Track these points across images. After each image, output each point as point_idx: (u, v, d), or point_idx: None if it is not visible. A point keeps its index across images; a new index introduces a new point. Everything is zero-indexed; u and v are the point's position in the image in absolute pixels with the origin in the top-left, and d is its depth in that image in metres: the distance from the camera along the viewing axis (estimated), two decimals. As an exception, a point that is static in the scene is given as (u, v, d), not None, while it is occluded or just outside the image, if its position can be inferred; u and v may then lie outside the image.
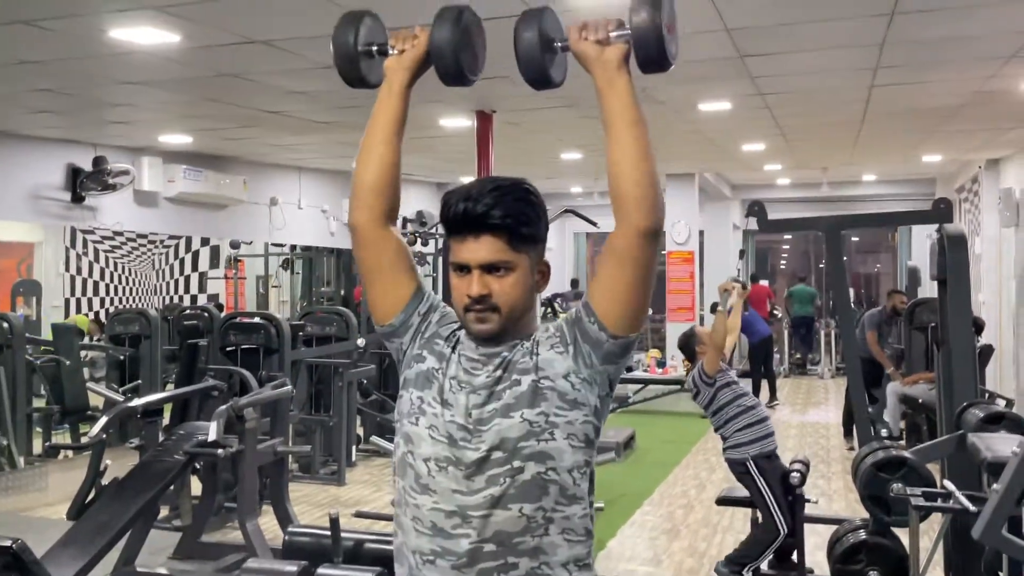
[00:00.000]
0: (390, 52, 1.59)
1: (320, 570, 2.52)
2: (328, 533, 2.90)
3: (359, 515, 4.65)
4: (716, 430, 4.35)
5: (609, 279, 1.42)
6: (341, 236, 9.84)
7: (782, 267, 18.25)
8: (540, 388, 1.41)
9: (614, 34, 1.43)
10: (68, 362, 6.73)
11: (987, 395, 5.26)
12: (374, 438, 6.85)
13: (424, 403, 1.45)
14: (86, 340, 7.83)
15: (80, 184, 7.11)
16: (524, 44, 1.47)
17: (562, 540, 1.39)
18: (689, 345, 4.53)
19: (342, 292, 10.68)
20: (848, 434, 7.69)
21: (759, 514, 4.25)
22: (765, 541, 4.17)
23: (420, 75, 1.60)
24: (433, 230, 9.98)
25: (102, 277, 8.92)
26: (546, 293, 10.59)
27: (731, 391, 4.32)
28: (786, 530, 4.13)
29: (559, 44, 1.51)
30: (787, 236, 17.51)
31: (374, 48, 1.62)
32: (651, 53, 1.42)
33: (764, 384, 10.36)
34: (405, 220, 10.63)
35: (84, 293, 8.84)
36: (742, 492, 4.69)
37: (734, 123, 7.13)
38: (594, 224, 9.43)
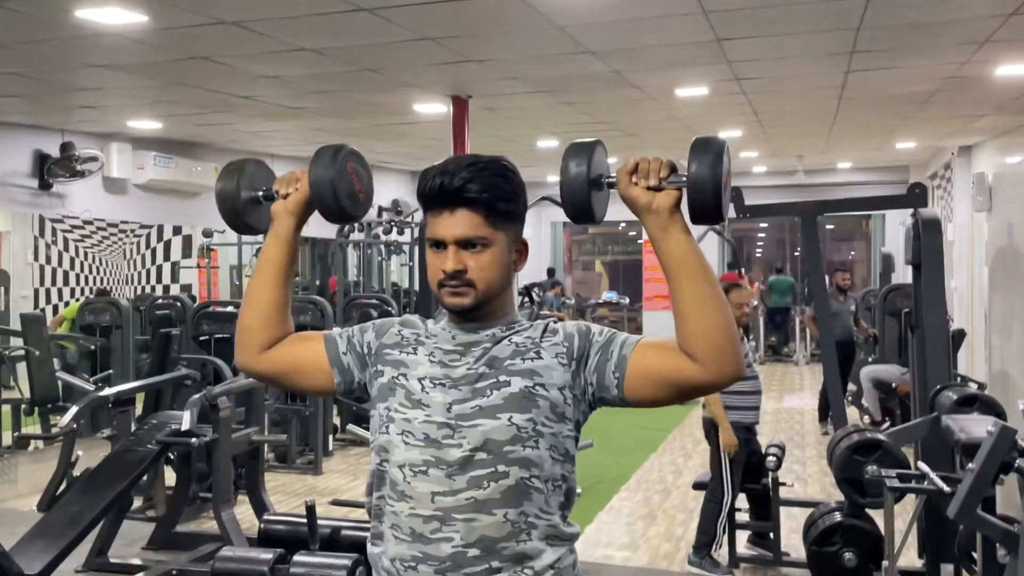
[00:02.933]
0: (275, 196, 1.58)
1: (296, 557, 2.49)
2: (304, 521, 2.87)
3: (336, 503, 4.62)
4: None
5: (654, 384, 1.38)
6: (316, 225, 9.73)
7: (758, 255, 18.35)
8: (533, 394, 1.38)
9: (666, 180, 1.35)
10: (37, 352, 6.62)
11: (960, 379, 5.32)
12: (351, 427, 6.79)
13: (391, 411, 1.42)
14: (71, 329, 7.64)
15: (47, 171, 6.97)
16: (571, 180, 1.40)
17: (547, 546, 1.38)
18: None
19: (317, 281, 10.60)
20: (823, 419, 7.76)
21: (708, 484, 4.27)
22: (715, 511, 4.23)
23: (307, 217, 1.58)
24: (409, 219, 9.92)
25: (72, 267, 8.77)
26: (523, 281, 10.57)
27: (743, 348, 4.34)
28: (731, 495, 4.19)
29: (606, 180, 1.42)
30: (762, 224, 17.61)
31: (260, 194, 1.62)
32: (706, 206, 1.33)
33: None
34: (380, 209, 10.55)
35: (54, 283, 8.68)
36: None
37: (711, 109, 7.13)
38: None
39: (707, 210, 1.33)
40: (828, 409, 7.67)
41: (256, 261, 1.60)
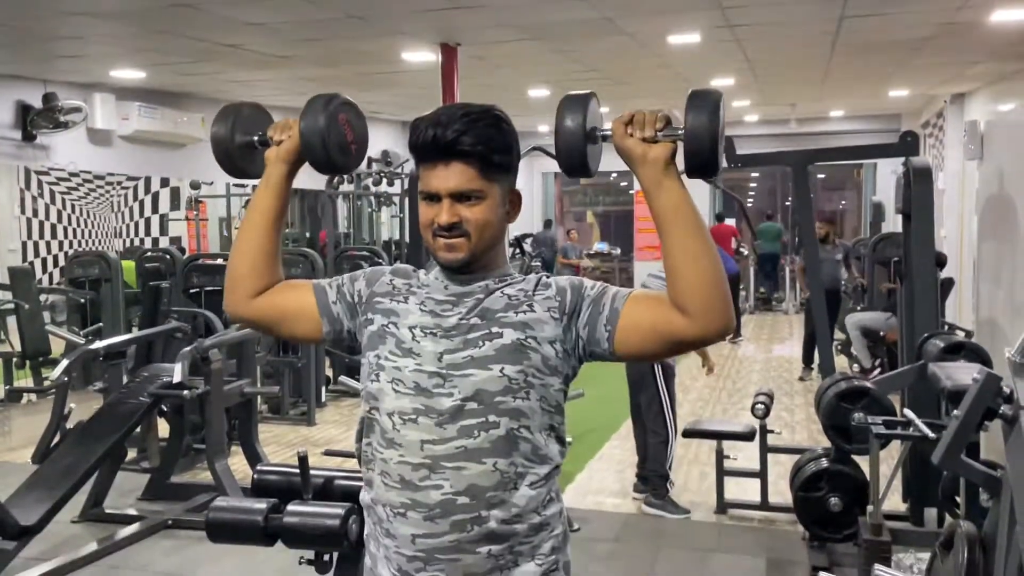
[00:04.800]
0: (269, 142, 1.57)
1: (290, 507, 2.51)
2: (297, 471, 2.89)
3: (328, 453, 4.67)
4: None
5: (643, 337, 1.37)
6: (306, 176, 9.63)
7: (749, 205, 18.33)
8: (525, 346, 1.38)
9: (662, 133, 1.34)
10: (27, 306, 6.59)
11: (947, 327, 5.36)
12: (343, 378, 6.83)
13: (381, 359, 1.42)
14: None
15: (30, 122, 6.86)
16: (566, 133, 1.38)
17: (531, 490, 1.39)
18: None
19: (307, 234, 10.54)
20: (807, 365, 7.87)
21: (649, 425, 4.41)
22: (661, 449, 4.39)
23: (299, 166, 1.56)
24: (399, 170, 9.83)
25: (59, 219, 8.68)
26: (516, 232, 10.53)
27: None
28: (674, 430, 4.37)
29: (601, 133, 1.41)
30: (754, 174, 17.55)
31: (255, 139, 1.61)
32: (702, 159, 1.31)
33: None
34: (370, 160, 10.45)
35: (42, 236, 8.61)
36: (706, 425, 4.78)
37: (703, 57, 7.04)
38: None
39: (703, 163, 1.32)
40: (809, 355, 7.82)
41: (248, 207, 1.59)
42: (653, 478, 4.42)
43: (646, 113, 1.35)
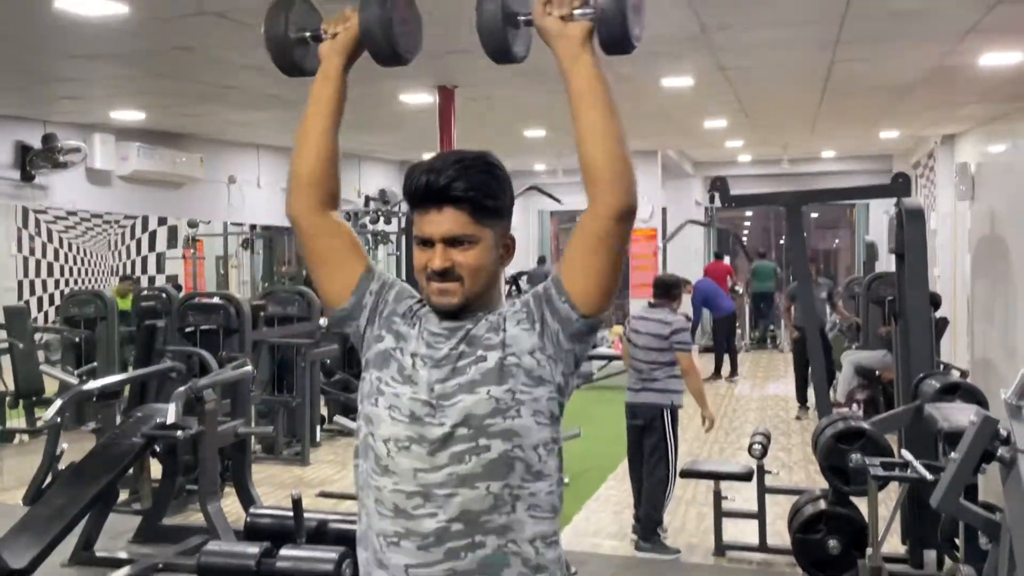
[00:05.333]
0: (323, 37, 1.55)
1: (283, 551, 2.49)
2: (291, 513, 2.87)
3: (323, 495, 4.63)
4: (648, 368, 4.39)
5: (581, 260, 1.40)
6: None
7: (743, 242, 18.44)
8: (507, 365, 1.39)
9: (578, 11, 1.40)
10: (21, 345, 6.57)
11: (943, 366, 5.37)
12: (338, 418, 6.80)
13: (383, 383, 1.43)
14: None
15: (29, 162, 6.90)
16: (486, 16, 1.43)
17: (528, 517, 1.38)
18: (673, 288, 4.63)
19: (303, 272, 10.55)
20: (803, 403, 7.88)
21: (649, 469, 4.38)
22: (659, 495, 4.38)
23: (356, 58, 1.56)
24: (396, 208, 9.89)
25: (56, 258, 8.70)
26: (511, 271, 10.58)
27: (689, 335, 4.51)
28: (676, 477, 4.39)
29: (522, 18, 1.47)
30: (748, 213, 17.68)
31: (307, 34, 1.58)
32: (614, 33, 1.38)
33: (726, 359, 10.49)
34: (367, 198, 10.51)
35: (38, 274, 8.62)
36: (703, 466, 4.76)
37: (696, 99, 7.13)
38: (559, 201, 9.40)
39: (616, 39, 1.39)
40: (803, 393, 7.85)
41: (306, 108, 1.55)
42: (646, 522, 4.39)
43: None
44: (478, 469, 1.35)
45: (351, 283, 1.50)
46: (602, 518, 5.09)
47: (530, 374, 1.39)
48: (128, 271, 9.57)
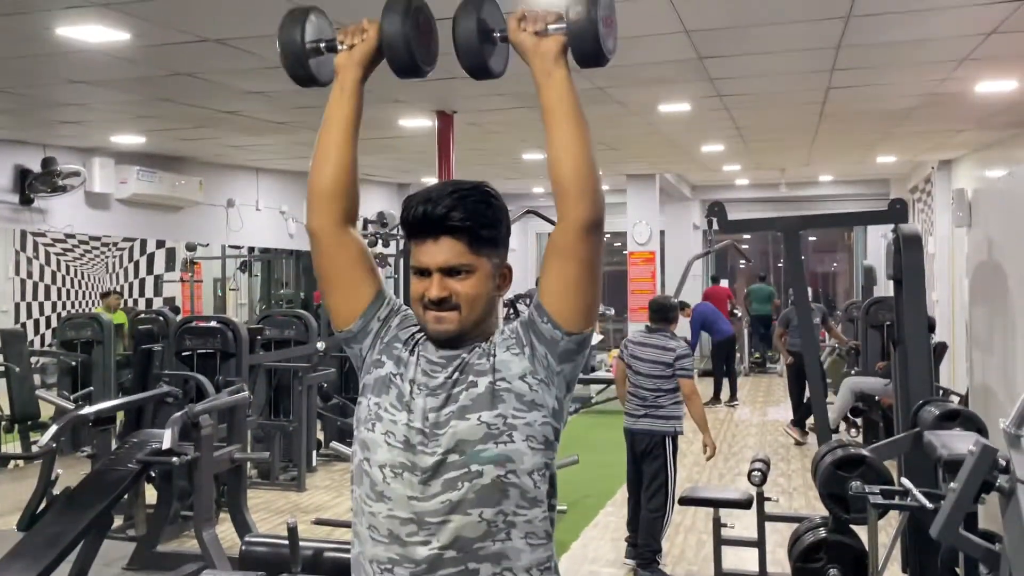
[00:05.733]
0: (339, 48, 1.54)
1: (278, 581, 2.47)
2: (286, 542, 2.84)
3: (319, 522, 4.58)
4: (652, 395, 4.38)
5: (557, 277, 1.41)
6: (300, 238, 9.72)
7: (741, 266, 18.46)
8: (497, 390, 1.38)
9: (552, 27, 1.42)
10: (17, 369, 6.54)
11: (941, 392, 5.35)
12: (334, 444, 6.74)
13: (381, 408, 1.42)
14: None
15: (29, 186, 6.91)
16: (463, 33, 1.45)
17: (524, 544, 1.37)
18: (671, 311, 4.62)
19: (302, 295, 10.55)
20: (802, 427, 7.85)
21: (648, 496, 4.37)
22: (658, 523, 4.34)
23: (372, 70, 1.55)
24: (394, 231, 9.90)
25: (53, 281, 8.69)
26: (508, 295, 10.58)
27: (692, 361, 4.47)
28: (672, 504, 4.33)
29: (498, 34, 1.49)
30: (746, 236, 17.72)
31: (322, 45, 1.57)
32: (587, 48, 1.40)
33: (725, 383, 10.47)
34: (366, 221, 10.53)
35: (35, 297, 8.60)
36: (703, 493, 4.72)
37: (693, 124, 7.18)
38: (556, 224, 9.42)
39: (589, 53, 1.41)
40: (801, 418, 7.82)
41: (323, 121, 1.54)
42: (644, 551, 4.35)
43: (537, 10, 1.44)
44: (471, 495, 1.34)
45: (360, 306, 1.49)
46: (600, 545, 5.06)
47: (522, 399, 1.39)
48: (126, 294, 9.56)
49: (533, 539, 1.38)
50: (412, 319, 1.52)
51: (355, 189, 1.53)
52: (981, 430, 3.56)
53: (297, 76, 1.59)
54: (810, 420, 7.49)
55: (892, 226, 4.37)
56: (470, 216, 1.40)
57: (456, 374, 1.41)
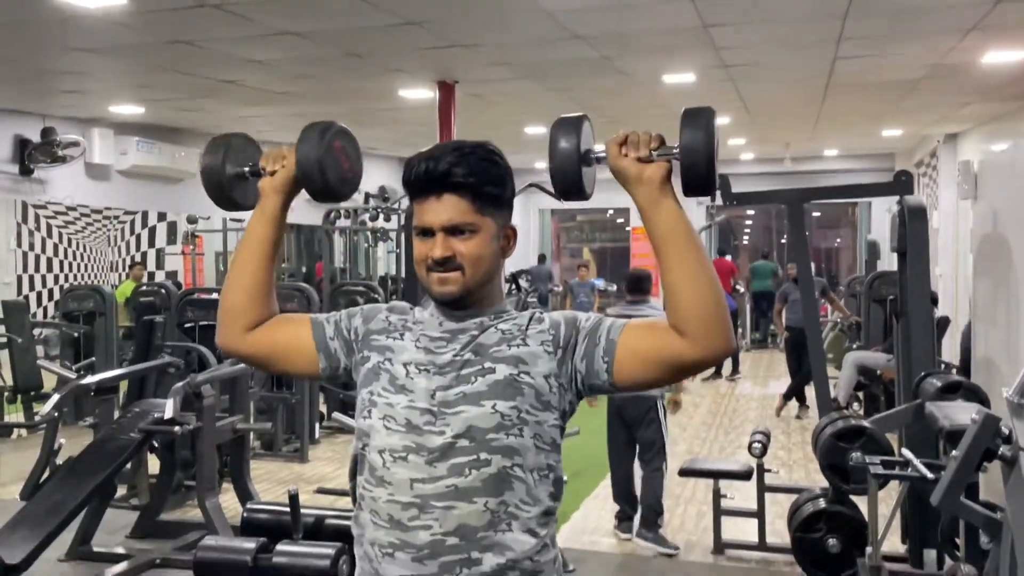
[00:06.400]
0: (262, 172, 1.54)
1: (279, 546, 2.47)
2: (288, 510, 2.85)
3: (321, 491, 4.61)
4: None
5: (642, 364, 1.35)
6: (302, 211, 9.68)
7: (744, 243, 18.42)
8: (518, 382, 1.36)
9: (657, 152, 1.34)
10: (20, 340, 6.55)
11: (944, 365, 5.34)
12: (336, 415, 6.74)
13: (374, 395, 1.40)
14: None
15: (28, 156, 6.89)
16: (560, 155, 1.38)
17: (526, 536, 1.36)
18: (645, 281, 4.66)
19: (303, 268, 10.53)
20: (801, 401, 7.88)
21: (647, 460, 4.41)
22: (660, 479, 4.39)
23: (295, 195, 1.54)
24: (396, 205, 9.86)
25: (55, 253, 8.68)
26: (511, 268, 10.54)
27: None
28: (667, 467, 4.43)
29: (595, 155, 1.41)
30: (749, 212, 17.65)
31: (246, 170, 1.58)
32: (699, 178, 1.31)
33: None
34: (367, 195, 10.48)
35: (37, 269, 8.60)
36: (703, 464, 4.74)
37: (698, 96, 7.11)
38: (559, 199, 9.36)
39: (700, 180, 1.31)
40: (801, 393, 7.85)
41: (241, 239, 1.56)
42: (647, 512, 4.38)
43: (640, 133, 1.36)
44: (477, 483, 1.33)
45: (311, 350, 1.49)
46: (601, 515, 5.08)
47: (539, 397, 1.37)
48: (128, 267, 9.56)
49: (535, 533, 1.37)
50: (376, 310, 1.50)
51: (266, 304, 1.52)
52: (984, 401, 3.55)
53: (219, 201, 1.61)
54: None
55: (897, 199, 4.34)
56: (474, 173, 1.37)
57: (467, 353, 1.38)
